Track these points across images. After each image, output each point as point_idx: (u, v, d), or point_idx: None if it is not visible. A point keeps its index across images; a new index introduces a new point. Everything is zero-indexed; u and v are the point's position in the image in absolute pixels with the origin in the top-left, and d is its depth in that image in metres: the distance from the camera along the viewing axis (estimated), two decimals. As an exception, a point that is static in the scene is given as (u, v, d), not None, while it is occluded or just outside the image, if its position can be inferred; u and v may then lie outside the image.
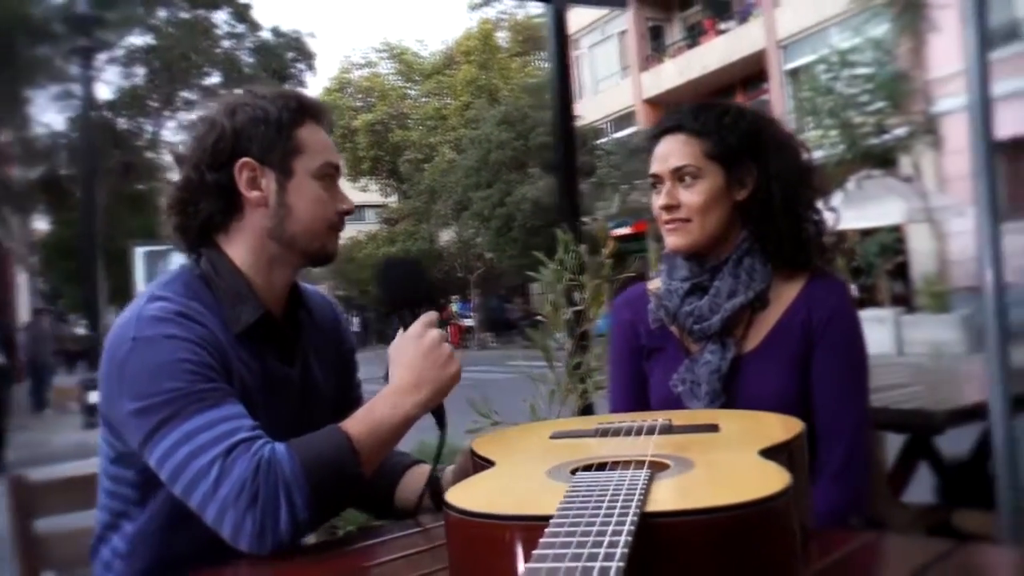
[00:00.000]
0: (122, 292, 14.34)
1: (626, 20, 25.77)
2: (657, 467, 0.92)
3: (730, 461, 0.96)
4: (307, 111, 1.47)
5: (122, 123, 23.12)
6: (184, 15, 22.77)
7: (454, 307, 33.87)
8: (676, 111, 1.75)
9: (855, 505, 1.62)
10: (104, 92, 21.67)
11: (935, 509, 2.97)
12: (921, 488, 3.13)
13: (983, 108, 2.48)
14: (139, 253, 11.94)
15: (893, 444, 3.00)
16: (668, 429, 1.14)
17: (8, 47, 16.58)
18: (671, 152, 1.70)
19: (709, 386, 1.66)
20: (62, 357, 22.06)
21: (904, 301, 15.50)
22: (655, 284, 1.84)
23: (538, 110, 24.99)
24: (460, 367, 1.37)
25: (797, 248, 1.70)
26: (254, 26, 24.13)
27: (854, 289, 12.96)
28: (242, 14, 23.80)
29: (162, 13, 22.45)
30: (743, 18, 23.47)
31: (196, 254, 1.46)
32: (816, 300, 1.68)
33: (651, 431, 1.12)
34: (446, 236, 31.95)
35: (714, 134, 1.68)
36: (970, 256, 14.24)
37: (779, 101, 20.29)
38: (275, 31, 24.51)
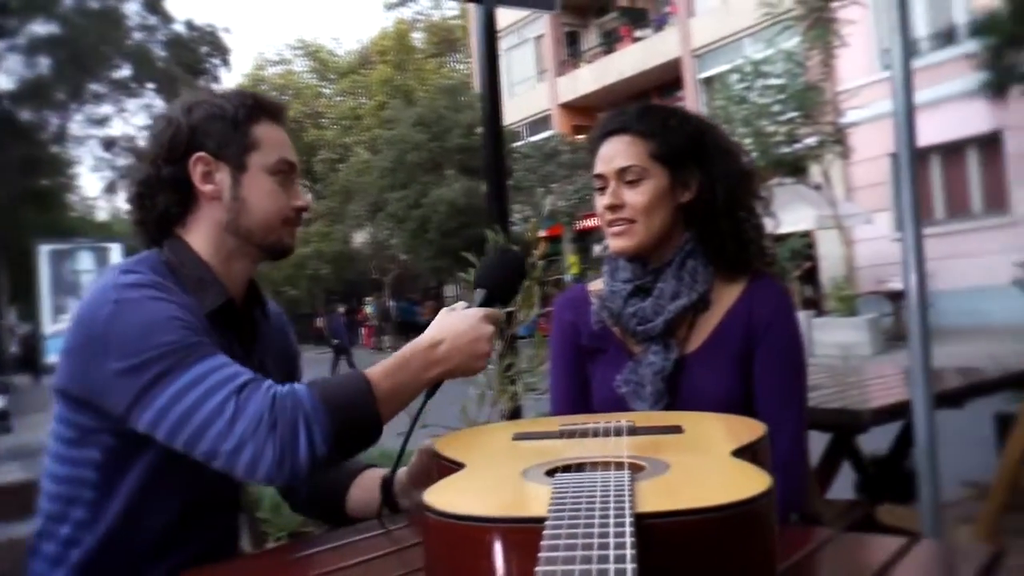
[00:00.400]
0: (24, 292, 13.80)
1: (543, 24, 25.91)
2: (634, 468, 0.92)
3: (706, 462, 0.96)
4: (264, 109, 1.49)
5: (25, 115, 22.26)
6: (93, 4, 22.06)
7: (369, 309, 33.55)
8: (620, 113, 1.76)
9: (797, 501, 1.65)
10: (3, 82, 20.91)
11: (858, 505, 3.05)
12: (840, 485, 3.21)
13: (907, 116, 2.55)
14: (43, 251, 11.57)
15: (814, 443, 3.06)
16: (634, 431, 1.14)
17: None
18: (616, 153, 1.70)
19: (653, 387, 1.67)
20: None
21: (814, 304, 15.95)
22: (596, 285, 1.85)
23: (454, 112, 24.90)
24: (486, 367, 1.41)
25: (738, 250, 1.73)
26: (167, 18, 23.59)
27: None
28: (154, 6, 23.23)
29: (69, 1, 21.72)
30: (659, 26, 23.85)
31: (158, 247, 1.46)
32: (757, 301, 1.70)
33: (618, 432, 1.12)
34: (360, 237, 31.63)
35: (659, 136, 1.69)
36: (875, 262, 14.82)
37: (694, 109, 20.63)
38: (189, 24, 24.00)
